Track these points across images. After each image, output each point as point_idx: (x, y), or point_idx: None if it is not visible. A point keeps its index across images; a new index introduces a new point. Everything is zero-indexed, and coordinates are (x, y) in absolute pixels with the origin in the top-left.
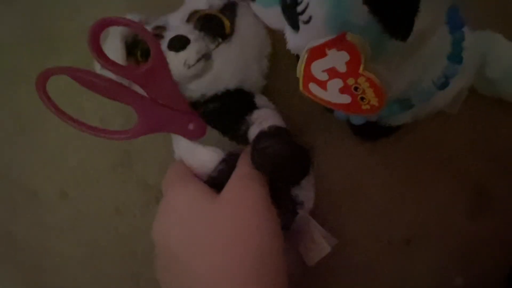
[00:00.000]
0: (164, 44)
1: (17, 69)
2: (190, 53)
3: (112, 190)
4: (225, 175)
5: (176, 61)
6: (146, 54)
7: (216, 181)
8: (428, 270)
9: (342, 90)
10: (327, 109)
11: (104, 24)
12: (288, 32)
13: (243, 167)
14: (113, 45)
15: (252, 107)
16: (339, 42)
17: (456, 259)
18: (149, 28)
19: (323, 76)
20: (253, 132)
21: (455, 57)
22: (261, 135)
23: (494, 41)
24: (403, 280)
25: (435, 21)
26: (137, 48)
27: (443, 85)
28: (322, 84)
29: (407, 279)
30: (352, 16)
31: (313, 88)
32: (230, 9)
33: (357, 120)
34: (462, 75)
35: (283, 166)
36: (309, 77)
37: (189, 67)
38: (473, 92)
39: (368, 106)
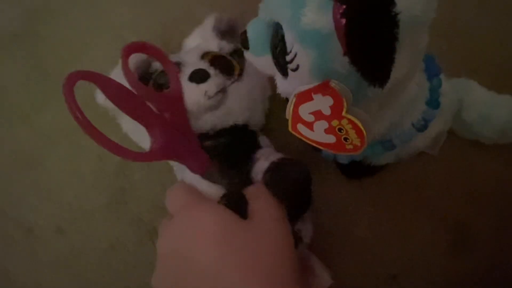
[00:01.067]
0: (183, 77)
1: (17, 110)
2: (210, 86)
3: (107, 226)
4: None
5: (198, 92)
6: (158, 87)
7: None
8: None
9: (327, 131)
10: (315, 149)
11: (133, 48)
12: (278, 78)
13: (261, 200)
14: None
15: (256, 145)
16: (323, 88)
17: None
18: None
19: (310, 118)
20: (260, 167)
21: (433, 102)
22: (275, 165)
23: (469, 88)
24: None
25: (412, 70)
26: (148, 80)
27: (422, 128)
28: (309, 125)
29: None
30: (334, 65)
31: (301, 128)
32: (238, 54)
33: (343, 159)
34: (440, 119)
35: (303, 189)
36: (297, 119)
37: (209, 98)
38: (452, 134)
39: (351, 146)
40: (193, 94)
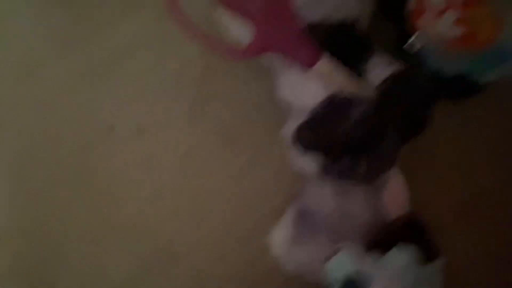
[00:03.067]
0: None
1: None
2: None
3: (187, 132)
4: (327, 114)
5: None
6: None
7: (317, 118)
8: None
9: (458, 21)
10: None
11: None
12: None
13: None
14: None
15: (371, 49)
16: None
17: None
18: None
19: (438, 5)
20: (379, 72)
21: None
22: (399, 74)
23: None
24: None
25: None
26: None
27: None
28: (437, 15)
29: None
30: None
31: (425, 20)
32: None
33: (450, 69)
34: None
35: (423, 106)
36: (422, 9)
37: None
38: None
39: (483, 39)
40: None
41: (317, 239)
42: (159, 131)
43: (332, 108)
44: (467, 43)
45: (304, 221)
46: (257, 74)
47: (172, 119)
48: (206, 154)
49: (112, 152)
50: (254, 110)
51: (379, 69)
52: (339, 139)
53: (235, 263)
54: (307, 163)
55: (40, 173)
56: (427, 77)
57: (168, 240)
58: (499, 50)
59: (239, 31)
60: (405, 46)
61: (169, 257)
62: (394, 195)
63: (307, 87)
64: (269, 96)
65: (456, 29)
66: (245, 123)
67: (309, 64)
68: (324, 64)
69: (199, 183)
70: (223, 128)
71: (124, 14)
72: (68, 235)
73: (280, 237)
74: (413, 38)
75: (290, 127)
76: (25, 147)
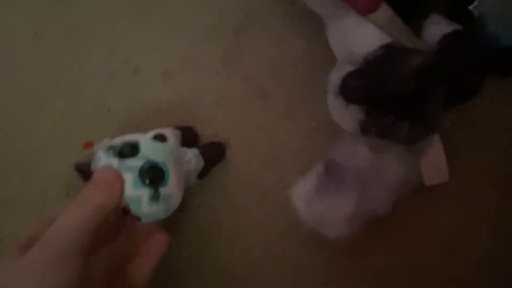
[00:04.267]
0: None
1: None
2: None
3: (217, 80)
4: (380, 63)
5: None
6: None
7: (369, 67)
8: None
9: None
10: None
11: None
12: None
13: None
14: None
15: (429, 8)
16: None
17: None
18: None
19: None
20: (440, 29)
21: None
22: (460, 33)
23: None
24: None
25: None
26: None
27: None
28: None
29: None
30: None
31: None
32: None
33: (508, 37)
34: None
35: (480, 69)
36: None
37: None
38: None
39: None
40: None
41: (343, 193)
42: (188, 77)
43: (386, 58)
44: None
45: (332, 175)
46: (293, 32)
47: (203, 67)
48: (236, 104)
49: (134, 93)
50: (288, 66)
51: (438, 28)
52: (387, 91)
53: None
54: (349, 116)
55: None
56: (485, 43)
57: None
58: None
59: None
60: (469, 7)
61: None
62: (432, 163)
63: (361, 35)
64: (303, 54)
65: None
66: (278, 78)
67: (368, 9)
68: (383, 12)
69: (226, 131)
70: (256, 80)
71: None
72: None
73: (302, 188)
74: (476, 3)
75: (338, 75)
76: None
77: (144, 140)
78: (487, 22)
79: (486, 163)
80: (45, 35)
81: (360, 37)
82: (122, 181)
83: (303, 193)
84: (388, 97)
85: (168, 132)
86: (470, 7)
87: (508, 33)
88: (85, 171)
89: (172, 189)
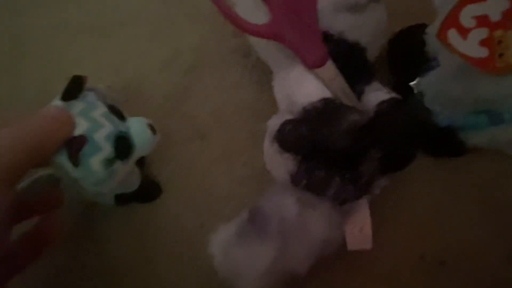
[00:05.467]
0: None
1: None
2: None
3: (156, 116)
4: (317, 115)
5: None
6: None
7: (307, 117)
8: None
9: (483, 42)
10: None
11: None
12: None
13: None
14: None
15: (373, 75)
16: None
17: None
18: None
19: (470, 23)
20: (377, 95)
21: None
22: (395, 101)
23: None
24: None
25: None
26: None
27: None
28: (464, 32)
29: None
30: None
31: (452, 35)
32: None
33: (445, 117)
34: None
35: (413, 139)
36: (453, 23)
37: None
38: None
39: (502, 64)
40: None
41: (263, 243)
42: (130, 106)
43: (324, 111)
44: (485, 66)
45: (255, 223)
46: (241, 80)
47: (147, 99)
48: (172, 139)
49: None
50: (231, 112)
51: (377, 94)
52: (321, 144)
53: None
54: (282, 164)
55: None
56: (422, 116)
57: None
58: (490, 112)
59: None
60: (409, 84)
61: None
62: (357, 228)
63: (304, 86)
64: (248, 103)
65: (480, 51)
66: (220, 122)
67: (315, 64)
68: (329, 69)
69: (156, 166)
70: (197, 121)
71: None
72: None
73: (223, 234)
74: (416, 81)
75: (276, 121)
76: None
77: (140, 120)
78: (425, 100)
79: (409, 240)
80: None
81: (303, 88)
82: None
83: (222, 240)
84: (322, 150)
85: None
86: (411, 83)
87: (444, 113)
88: None
89: (121, 169)
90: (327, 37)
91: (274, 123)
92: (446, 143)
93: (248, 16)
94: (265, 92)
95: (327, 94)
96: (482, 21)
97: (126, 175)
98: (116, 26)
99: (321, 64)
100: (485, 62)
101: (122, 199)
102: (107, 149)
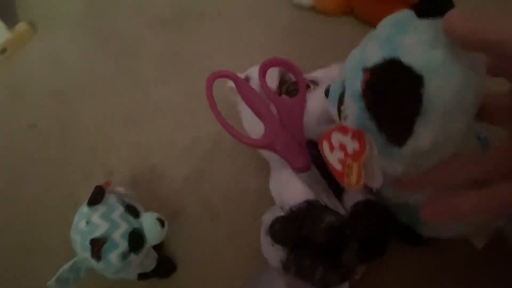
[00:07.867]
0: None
1: (145, 76)
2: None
3: (177, 195)
4: (301, 215)
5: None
6: (288, 93)
7: (293, 216)
8: None
9: (340, 161)
10: None
11: (273, 62)
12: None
13: None
14: (271, 74)
15: None
16: (357, 135)
17: None
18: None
19: (336, 143)
20: (355, 196)
21: None
22: (370, 202)
23: None
24: None
25: (442, 148)
26: (283, 85)
27: None
28: (331, 148)
29: None
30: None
31: (325, 146)
32: None
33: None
34: None
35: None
36: (328, 138)
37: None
38: None
39: (348, 182)
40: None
41: None
42: (153, 188)
43: (307, 211)
44: (339, 177)
45: None
46: (249, 168)
47: (167, 182)
48: (189, 220)
49: None
50: (239, 197)
51: (355, 195)
52: (305, 239)
53: None
54: (274, 253)
55: None
56: (388, 214)
57: None
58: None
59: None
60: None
61: None
62: None
63: (292, 188)
64: (253, 190)
65: (337, 164)
66: (229, 205)
67: (300, 169)
68: (312, 174)
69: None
70: (211, 203)
71: None
72: None
73: None
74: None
75: (269, 217)
76: None
77: (151, 216)
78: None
79: None
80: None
81: (290, 190)
82: None
83: None
84: (306, 243)
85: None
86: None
87: (401, 214)
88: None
89: (135, 259)
90: (311, 144)
91: (267, 219)
92: (407, 236)
93: (249, 122)
94: (266, 183)
95: (310, 196)
96: (342, 147)
97: (142, 260)
98: (147, 118)
99: (305, 169)
100: (341, 175)
101: (143, 275)
102: (123, 245)
